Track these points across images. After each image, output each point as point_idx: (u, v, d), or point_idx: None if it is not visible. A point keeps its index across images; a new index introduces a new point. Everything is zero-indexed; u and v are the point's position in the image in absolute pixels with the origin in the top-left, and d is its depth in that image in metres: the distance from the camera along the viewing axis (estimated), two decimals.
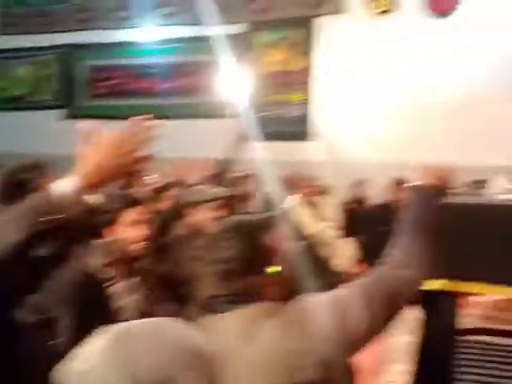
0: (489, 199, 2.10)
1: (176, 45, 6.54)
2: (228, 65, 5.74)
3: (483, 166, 4.61)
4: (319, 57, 5.92)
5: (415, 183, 1.45)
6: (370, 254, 4.47)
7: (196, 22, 6.14)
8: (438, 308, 1.92)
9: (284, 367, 1.11)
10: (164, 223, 2.35)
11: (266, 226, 1.29)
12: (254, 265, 1.20)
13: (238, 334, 1.14)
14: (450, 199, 2.12)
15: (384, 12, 5.64)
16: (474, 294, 3.67)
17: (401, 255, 1.31)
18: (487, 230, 1.89)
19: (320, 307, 1.18)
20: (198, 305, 1.25)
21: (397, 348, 2.84)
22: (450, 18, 5.41)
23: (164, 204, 2.79)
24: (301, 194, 4.41)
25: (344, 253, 4.42)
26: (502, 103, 5.07)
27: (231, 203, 3.85)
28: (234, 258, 1.19)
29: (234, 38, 6.11)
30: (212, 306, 1.19)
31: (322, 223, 4.34)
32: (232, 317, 1.16)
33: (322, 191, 5.16)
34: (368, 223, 4.79)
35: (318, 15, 5.93)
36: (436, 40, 5.40)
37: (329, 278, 3.94)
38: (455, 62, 5.30)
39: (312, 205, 4.45)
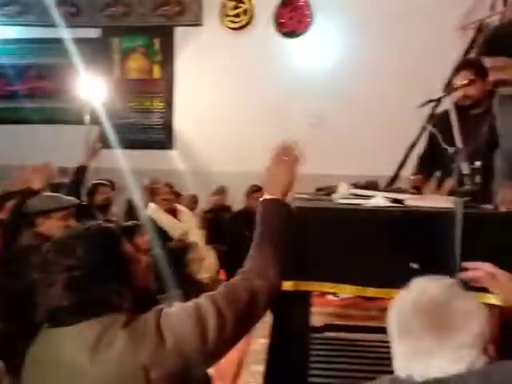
0: (335, 203, 2.25)
1: (26, 46, 6.10)
2: (85, 70, 5.52)
3: (332, 175, 4.98)
4: (180, 66, 5.94)
5: (264, 196, 1.50)
6: (231, 261, 4.57)
7: (47, 23, 5.81)
8: (289, 308, 1.99)
9: (132, 381, 1.07)
10: (6, 233, 2.17)
11: (119, 233, 1.25)
12: (105, 273, 1.16)
13: (83, 347, 1.09)
14: (300, 203, 2.25)
15: (240, 27, 5.83)
16: (325, 294, 3.94)
17: (253, 265, 1.33)
18: (335, 232, 2.01)
19: (176, 318, 1.16)
20: (42, 317, 1.16)
21: (255, 350, 2.92)
22: (303, 38, 5.76)
23: (3, 214, 2.58)
24: (162, 202, 4.36)
25: (206, 260, 4.45)
26: (341, 120, 5.52)
27: (84, 211, 3.69)
28: (79, 267, 1.13)
29: (90, 43, 5.89)
30: (57, 318, 1.12)
31: (184, 231, 4.33)
32: (78, 329, 1.10)
33: (184, 199, 5.17)
34: (228, 231, 4.88)
35: (178, 25, 5.95)
36: (288, 57, 5.74)
37: (190, 286, 3.95)
38: (304, 79, 5.65)
39: (173, 213, 4.43)
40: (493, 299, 1.84)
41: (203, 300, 1.20)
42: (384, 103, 5.38)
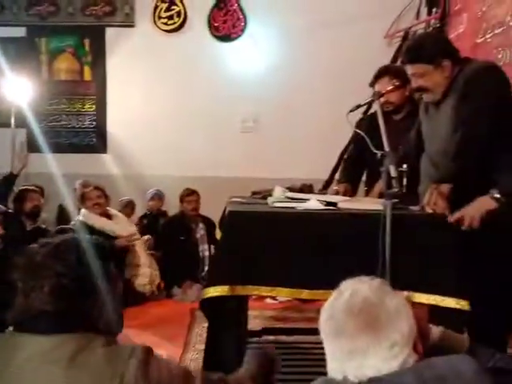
0: (269, 207, 2.27)
1: None
2: (10, 70, 5.26)
3: (267, 179, 5.04)
4: (112, 67, 5.79)
5: None
6: (165, 267, 4.48)
7: None
8: (225, 313, 1.98)
9: None
10: None
11: (110, 251, 1.24)
12: (93, 287, 1.15)
13: (59, 360, 1.05)
14: (234, 207, 2.25)
15: (173, 30, 5.78)
16: (263, 297, 3.97)
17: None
18: (270, 236, 2.03)
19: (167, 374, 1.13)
20: (14, 320, 1.11)
21: (191, 358, 2.89)
22: (237, 42, 5.77)
23: None
24: (93, 207, 4.23)
25: (144, 268, 4.34)
26: (276, 125, 5.59)
27: (11, 219, 3.53)
28: (69, 274, 1.11)
29: (15, 42, 5.63)
30: (32, 324, 1.09)
31: (121, 237, 4.22)
32: (56, 340, 1.07)
33: (121, 204, 5.05)
34: (166, 236, 4.80)
35: (109, 25, 5.80)
36: (223, 61, 5.74)
37: (131, 295, 3.85)
38: (238, 84, 5.67)
39: (108, 217, 4.31)
40: (422, 298, 1.93)
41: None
42: (317, 108, 5.49)
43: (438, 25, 4.99)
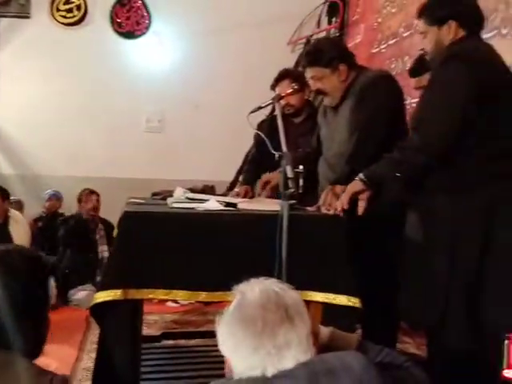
0: (166, 207, 2.21)
1: None
2: None
3: (171, 180, 4.95)
4: (4, 60, 5.41)
5: None
6: (68, 268, 4.19)
7: None
8: (118, 319, 1.90)
9: None
10: None
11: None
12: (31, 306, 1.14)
13: None
14: (130, 208, 2.17)
15: (73, 23, 5.52)
16: (164, 301, 3.88)
17: None
18: (167, 237, 1.97)
19: None
20: None
21: (85, 367, 2.76)
22: (141, 40, 5.63)
23: None
24: None
25: None
26: (181, 125, 5.53)
27: None
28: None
29: None
30: None
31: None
32: None
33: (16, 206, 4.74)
34: (63, 237, 4.55)
35: (2, 16, 5.42)
36: (126, 59, 5.57)
37: None
38: (142, 82, 5.54)
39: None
40: (317, 297, 1.97)
41: None
42: (223, 109, 5.49)
43: (337, 34, 5.20)
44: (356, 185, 2.04)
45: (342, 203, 2.02)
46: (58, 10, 5.49)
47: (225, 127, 5.44)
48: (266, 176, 2.76)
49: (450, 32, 2.02)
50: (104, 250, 4.54)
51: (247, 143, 5.06)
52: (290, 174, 2.01)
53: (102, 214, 4.82)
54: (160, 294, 1.93)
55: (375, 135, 2.29)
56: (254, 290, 1.14)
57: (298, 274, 1.87)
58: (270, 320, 1.08)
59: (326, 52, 2.40)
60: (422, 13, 2.11)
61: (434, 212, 2.03)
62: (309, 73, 2.44)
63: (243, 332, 1.08)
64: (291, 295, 1.14)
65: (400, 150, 1.98)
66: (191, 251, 1.98)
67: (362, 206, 2.03)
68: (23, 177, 5.28)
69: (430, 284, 2.05)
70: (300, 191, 2.11)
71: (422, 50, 2.22)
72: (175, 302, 3.94)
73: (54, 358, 2.65)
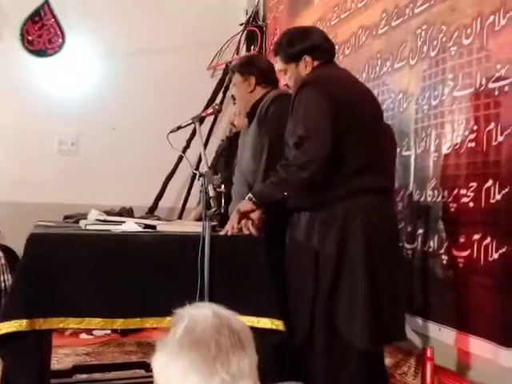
0: (79, 230, 2.08)
1: None
2: None
3: (85, 205, 4.72)
4: None
5: None
6: None
7: None
8: (23, 352, 1.73)
9: None
10: None
11: None
12: None
13: None
14: (37, 230, 2.01)
15: None
16: (78, 333, 3.63)
17: None
18: (78, 261, 1.85)
19: None
20: None
21: None
22: (54, 58, 5.41)
23: None
24: None
25: None
26: (96, 149, 5.34)
27: None
28: None
29: None
30: None
31: None
32: None
33: None
34: None
35: None
36: (37, 78, 5.32)
37: None
38: (55, 102, 5.31)
39: None
40: (267, 323, 1.90)
41: None
42: (141, 132, 5.35)
43: None
44: (246, 204, 2.06)
45: (231, 224, 2.03)
46: None
47: (143, 150, 5.30)
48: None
49: (307, 66, 2.19)
50: (6, 280, 4.19)
51: (166, 167, 4.99)
52: (211, 193, 1.96)
53: (9, 242, 4.48)
54: (71, 322, 1.79)
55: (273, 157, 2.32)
56: (203, 312, 1.04)
57: (221, 297, 1.81)
58: (223, 344, 0.98)
59: (244, 63, 2.57)
60: (277, 52, 2.25)
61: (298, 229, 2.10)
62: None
63: (195, 356, 0.97)
64: (240, 321, 1.05)
65: (284, 168, 2.02)
66: (106, 275, 1.86)
67: (252, 226, 2.04)
68: None
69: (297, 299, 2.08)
70: (221, 211, 2.06)
71: (285, 85, 2.33)
72: (89, 333, 3.71)
73: None
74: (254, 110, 2.51)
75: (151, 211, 4.82)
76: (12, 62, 5.21)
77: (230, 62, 5.45)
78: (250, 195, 2.05)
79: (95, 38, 5.42)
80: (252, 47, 5.52)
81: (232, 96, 2.74)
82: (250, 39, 5.56)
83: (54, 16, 5.37)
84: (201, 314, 1.03)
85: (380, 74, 3.05)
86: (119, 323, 1.84)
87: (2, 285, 4.13)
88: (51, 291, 1.77)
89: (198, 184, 3.06)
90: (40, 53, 5.37)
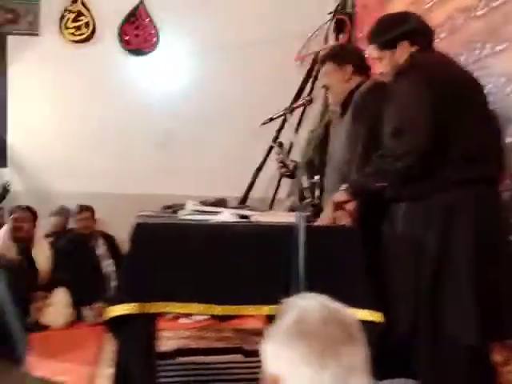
0: (179, 220, 2.19)
1: None
2: None
3: (172, 195, 4.93)
4: (14, 77, 5.45)
5: None
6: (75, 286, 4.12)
7: None
8: (134, 333, 1.86)
9: None
10: None
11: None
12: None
13: None
14: (141, 220, 2.14)
15: (81, 41, 5.56)
16: (177, 317, 3.82)
17: None
18: (180, 249, 1.94)
19: None
20: None
21: (104, 382, 2.70)
22: (150, 57, 5.67)
23: None
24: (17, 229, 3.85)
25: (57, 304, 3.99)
26: (188, 141, 5.53)
27: None
28: None
29: None
30: None
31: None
32: None
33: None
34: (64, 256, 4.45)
35: (11, 33, 5.47)
36: (134, 75, 5.60)
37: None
38: (151, 99, 5.57)
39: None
40: (366, 315, 1.90)
41: None
42: (230, 125, 5.50)
43: None
44: (340, 195, 2.03)
45: (326, 214, 2.02)
46: (67, 27, 5.54)
47: (233, 142, 5.43)
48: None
49: (404, 52, 2.10)
50: (108, 265, 4.46)
51: (257, 158, 5.07)
52: (305, 184, 1.99)
53: (110, 229, 4.79)
54: (176, 307, 1.90)
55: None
56: (311, 303, 1.04)
57: (317, 288, 1.82)
58: (333, 337, 0.97)
59: (340, 49, 2.63)
60: (372, 39, 2.19)
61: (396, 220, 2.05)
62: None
63: (304, 348, 0.97)
64: (348, 313, 1.04)
65: (380, 159, 1.98)
66: (205, 264, 1.95)
67: (347, 216, 2.02)
68: (34, 193, 5.26)
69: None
70: (316, 202, 2.08)
71: (380, 73, 2.24)
72: (188, 317, 3.88)
73: (70, 374, 2.62)
74: (348, 99, 2.47)
75: (242, 202, 4.92)
76: (111, 62, 5.54)
77: (319, 52, 5.41)
78: (344, 186, 2.04)
79: (186, 34, 5.63)
80: (341, 36, 5.44)
81: (324, 86, 2.65)
82: (339, 28, 5.47)
83: (148, 16, 5.64)
84: (309, 305, 1.03)
85: (480, 58, 2.90)
86: (218, 310, 1.92)
87: (104, 270, 4.42)
88: (156, 277, 1.88)
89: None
90: (137, 52, 5.66)
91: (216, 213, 2.26)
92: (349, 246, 2.00)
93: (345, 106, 2.49)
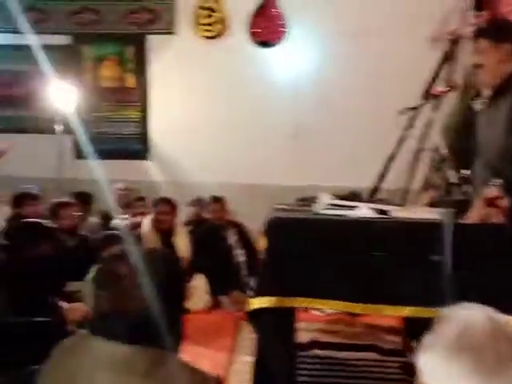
0: (316, 214, 2.16)
1: None
2: (56, 77, 5.35)
3: (303, 186, 4.94)
4: (153, 74, 5.82)
5: None
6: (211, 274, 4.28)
7: (17, 30, 5.64)
8: (274, 325, 1.89)
9: None
10: None
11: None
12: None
13: (136, 371, 1.04)
14: (280, 214, 2.16)
15: (214, 36, 5.76)
16: (309, 309, 3.82)
17: None
18: (321, 244, 1.93)
19: None
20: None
21: (238, 369, 2.81)
22: (278, 48, 5.71)
23: None
24: (160, 220, 4.13)
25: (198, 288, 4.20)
26: (320, 131, 5.48)
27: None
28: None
29: (60, 50, 5.73)
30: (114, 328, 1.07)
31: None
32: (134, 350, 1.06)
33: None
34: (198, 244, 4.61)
35: (150, 33, 5.84)
36: (263, 67, 5.68)
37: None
38: (279, 90, 5.61)
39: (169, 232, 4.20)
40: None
41: None
42: (362, 114, 5.38)
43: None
44: (492, 191, 1.87)
45: (476, 211, 1.84)
46: (200, 24, 5.78)
47: (365, 132, 5.30)
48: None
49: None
50: (239, 254, 4.54)
51: (387, 148, 4.88)
52: (452, 179, 1.86)
53: (241, 219, 4.93)
54: (316, 303, 1.90)
55: None
56: (476, 315, 0.96)
57: (466, 292, 1.71)
58: (501, 354, 0.89)
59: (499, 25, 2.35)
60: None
61: None
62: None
63: (470, 364, 0.90)
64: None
65: None
66: (345, 260, 1.91)
67: (498, 214, 1.83)
68: (171, 183, 5.60)
69: None
70: (464, 198, 1.94)
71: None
72: (320, 310, 3.88)
73: (206, 359, 2.75)
74: (505, 83, 2.21)
75: (373, 193, 4.78)
76: (243, 55, 5.68)
77: (455, 31, 5.05)
78: (497, 180, 1.87)
79: (314, 24, 5.58)
80: (481, 13, 5.02)
81: (476, 65, 2.31)
82: (478, 5, 5.06)
83: (277, 7, 5.68)
84: (474, 316, 0.95)
85: None
86: (358, 308, 1.89)
87: (235, 259, 4.53)
88: (295, 272, 1.89)
89: (423, 165, 2.93)
90: (265, 43, 5.74)
91: (352, 207, 2.21)
92: (501, 246, 1.84)
93: (500, 89, 2.24)
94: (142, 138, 5.86)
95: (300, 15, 5.61)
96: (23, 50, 5.51)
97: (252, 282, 4.30)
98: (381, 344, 2.83)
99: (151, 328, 1.07)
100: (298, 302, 1.91)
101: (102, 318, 1.09)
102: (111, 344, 1.05)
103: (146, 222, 4.17)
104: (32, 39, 5.37)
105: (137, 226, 4.24)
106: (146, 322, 1.06)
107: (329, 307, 1.91)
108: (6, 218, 3.92)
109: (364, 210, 2.16)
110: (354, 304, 1.89)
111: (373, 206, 2.25)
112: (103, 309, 1.08)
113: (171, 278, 1.15)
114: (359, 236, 1.92)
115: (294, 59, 5.68)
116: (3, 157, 2.44)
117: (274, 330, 1.92)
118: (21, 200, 4.01)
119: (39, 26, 5.64)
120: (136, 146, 5.87)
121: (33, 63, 5.48)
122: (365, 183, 4.74)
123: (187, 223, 5.04)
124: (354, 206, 2.21)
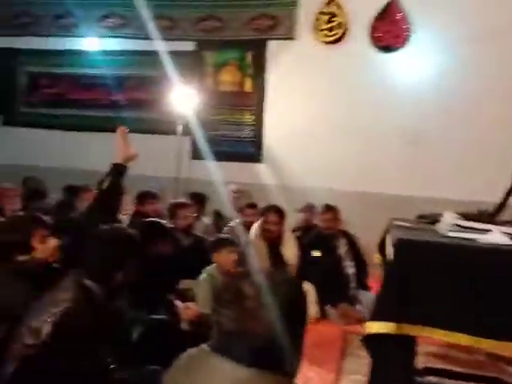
0: (443, 236, 2.02)
1: (122, 57, 6.32)
2: (179, 82, 5.61)
3: (421, 197, 4.70)
4: (271, 79, 5.88)
5: None
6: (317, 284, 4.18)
7: (143, 36, 6.01)
8: (391, 351, 1.79)
9: None
10: None
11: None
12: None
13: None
14: (403, 234, 2.03)
15: (334, 41, 5.68)
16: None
17: None
18: (448, 271, 1.80)
19: None
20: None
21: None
22: (400, 53, 5.51)
23: None
24: (268, 230, 4.15)
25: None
26: (440, 138, 5.20)
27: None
28: None
29: (185, 56, 5.99)
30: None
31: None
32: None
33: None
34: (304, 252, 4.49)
35: (271, 38, 5.90)
36: (383, 72, 5.50)
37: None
38: (399, 95, 5.40)
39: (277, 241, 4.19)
40: None
41: None
42: (485, 121, 5.01)
43: None
44: None
45: None
46: (321, 29, 5.73)
47: (489, 141, 4.94)
48: None
49: None
50: (349, 266, 4.37)
51: None
52: None
53: (351, 228, 4.81)
54: (437, 334, 1.76)
55: None
56: None
57: None
58: None
59: None
60: None
61: None
62: None
63: None
64: None
65: None
66: (474, 290, 1.76)
67: None
68: (283, 187, 5.61)
69: None
70: None
71: None
72: None
73: (313, 378, 2.68)
74: None
75: (499, 209, 4.41)
76: (362, 60, 5.55)
77: None
78: None
79: (438, 29, 5.30)
80: None
81: None
82: None
83: (401, 11, 5.46)
84: None
85: None
86: (487, 344, 1.72)
87: (345, 271, 4.31)
88: (419, 298, 1.78)
89: None
90: (386, 48, 5.55)
91: (484, 231, 2.03)
92: None
93: None
94: (257, 141, 5.94)
95: (424, 19, 5.35)
96: (151, 56, 5.87)
97: (360, 295, 4.15)
98: (506, 378, 2.58)
99: (273, 352, 1.04)
100: (418, 331, 1.79)
101: (223, 337, 1.08)
102: (232, 365, 1.04)
103: (254, 228, 4.18)
104: (159, 45, 5.69)
105: (246, 231, 4.27)
106: (269, 345, 1.04)
107: (454, 340, 1.76)
108: (129, 214, 4.16)
109: (497, 235, 1.97)
110: (482, 339, 1.73)
111: (507, 230, 2.06)
112: (226, 327, 1.07)
113: (295, 302, 1.12)
114: (493, 265, 1.75)
115: (416, 64, 5.43)
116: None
117: (391, 356, 1.81)
118: (143, 198, 4.24)
119: (167, 33, 5.96)
120: (250, 149, 5.97)
121: (159, 68, 5.86)
122: (490, 198, 4.41)
123: (296, 229, 4.99)
124: (486, 230, 2.03)
